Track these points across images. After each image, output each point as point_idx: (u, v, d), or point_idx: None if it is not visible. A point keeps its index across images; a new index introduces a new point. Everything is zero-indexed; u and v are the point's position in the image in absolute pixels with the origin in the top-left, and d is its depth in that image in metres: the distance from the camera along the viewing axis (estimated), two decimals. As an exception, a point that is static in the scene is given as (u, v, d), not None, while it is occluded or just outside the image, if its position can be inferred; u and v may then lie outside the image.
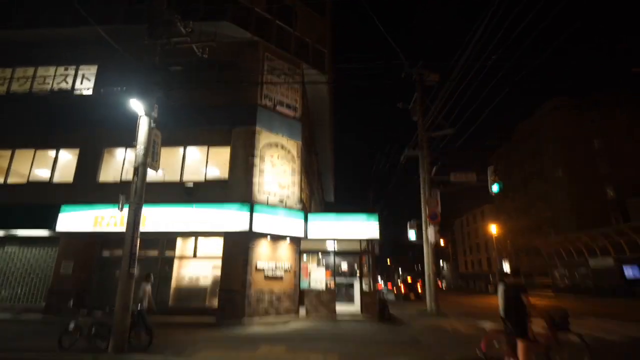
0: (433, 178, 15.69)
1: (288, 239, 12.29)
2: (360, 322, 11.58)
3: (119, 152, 12.78)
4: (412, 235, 15.45)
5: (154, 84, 8.53)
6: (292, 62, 14.53)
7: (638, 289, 23.19)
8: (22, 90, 13.63)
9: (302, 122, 14.12)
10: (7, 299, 11.54)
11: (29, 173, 12.59)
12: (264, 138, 12.61)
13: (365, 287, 13.07)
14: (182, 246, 11.97)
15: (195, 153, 12.71)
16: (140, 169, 7.99)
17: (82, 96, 13.32)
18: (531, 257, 35.56)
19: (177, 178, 12.20)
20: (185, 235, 11.75)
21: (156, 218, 11.22)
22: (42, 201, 11.68)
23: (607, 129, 35.74)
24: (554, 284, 32.29)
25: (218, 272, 11.19)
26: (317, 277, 14.78)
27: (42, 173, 12.81)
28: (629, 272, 24.27)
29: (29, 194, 12.04)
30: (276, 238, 11.98)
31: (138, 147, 8.08)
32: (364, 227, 12.71)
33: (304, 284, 12.99)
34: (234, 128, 12.51)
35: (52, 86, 13.59)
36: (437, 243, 14.52)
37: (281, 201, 12.08)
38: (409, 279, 29.22)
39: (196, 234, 11.65)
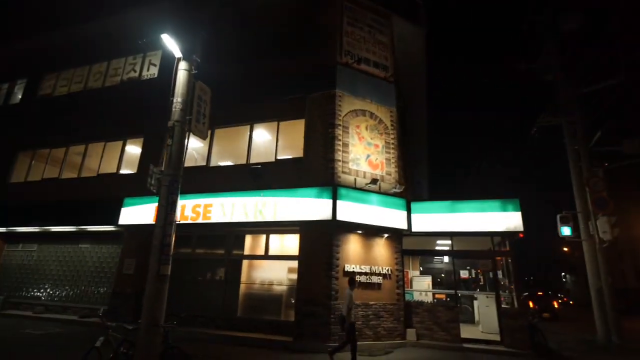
0: (593, 150, 10.82)
1: (386, 234, 9.05)
2: (505, 356, 7.66)
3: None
4: (565, 231, 10.66)
5: (196, 21, 6.35)
6: (378, 12, 11.41)
7: None
8: (96, 86, 13.24)
9: (395, 84, 10.88)
10: (77, 298, 10.69)
11: (99, 167, 11.85)
12: (347, 104, 9.70)
13: (502, 303, 8.97)
14: (252, 243, 9.66)
15: (263, 131, 10.43)
16: (176, 130, 5.75)
17: (148, 81, 12.29)
18: None
19: (243, 160, 10.05)
20: (255, 229, 9.44)
21: (219, 209, 9.13)
22: (110, 194, 10.64)
23: None
24: None
25: (295, 276, 8.53)
26: (422, 287, 11.27)
27: (110, 166, 11.96)
28: None
29: (98, 188, 11.17)
30: (369, 232, 8.85)
31: (175, 100, 5.88)
32: (497, 219, 8.76)
33: (407, 296, 9.56)
34: (308, 95, 9.90)
35: (121, 77, 12.92)
36: (614, 240, 9.63)
37: (374, 180, 8.89)
38: (540, 293, 22.98)
39: (267, 227, 9.21)
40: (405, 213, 9.20)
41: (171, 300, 5.69)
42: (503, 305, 8.73)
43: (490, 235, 8.96)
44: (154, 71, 12.37)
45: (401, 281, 8.97)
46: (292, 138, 9.89)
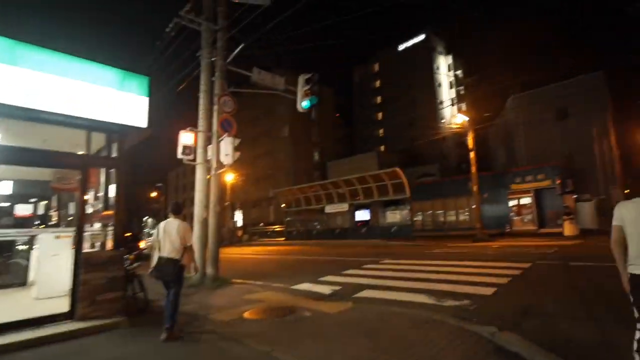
0: (230, 67, 9.63)
1: None
2: (72, 341, 4.16)
3: None
4: (181, 152, 8.62)
5: None
6: None
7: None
8: None
9: None
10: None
11: None
12: None
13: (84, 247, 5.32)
14: None
15: None
16: None
17: None
18: (260, 209, 35.69)
19: None
20: None
21: None
22: None
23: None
24: (288, 231, 31.83)
25: None
26: None
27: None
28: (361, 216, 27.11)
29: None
30: None
31: None
32: (110, 101, 4.90)
33: None
34: None
35: None
36: (229, 164, 8.81)
37: None
38: (127, 234, 20.71)
39: None
40: None
41: None
42: (87, 250, 5.14)
43: (90, 128, 4.95)
44: None
45: None
46: None
